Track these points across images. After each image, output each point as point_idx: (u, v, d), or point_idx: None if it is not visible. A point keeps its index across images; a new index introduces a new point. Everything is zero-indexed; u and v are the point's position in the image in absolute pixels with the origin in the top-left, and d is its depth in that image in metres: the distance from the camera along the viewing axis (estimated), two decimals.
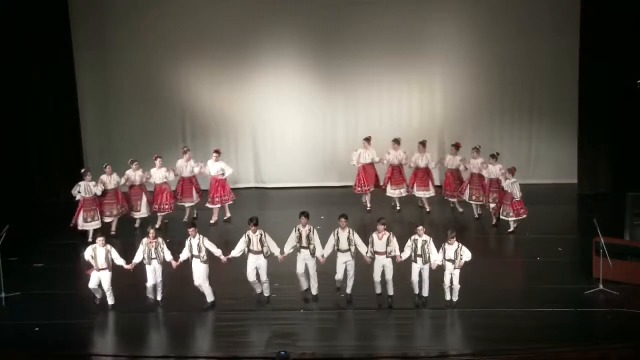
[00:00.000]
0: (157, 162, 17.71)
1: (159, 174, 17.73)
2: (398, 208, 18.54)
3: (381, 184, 18.62)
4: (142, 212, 17.77)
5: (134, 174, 17.65)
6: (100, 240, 14.03)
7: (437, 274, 13.90)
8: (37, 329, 13.47)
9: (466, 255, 13.73)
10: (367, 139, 18.52)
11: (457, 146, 18.16)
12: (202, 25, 19.85)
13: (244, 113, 20.42)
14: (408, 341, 13.09)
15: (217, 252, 14.12)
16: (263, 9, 19.80)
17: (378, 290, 14.01)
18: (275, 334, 13.24)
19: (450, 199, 18.39)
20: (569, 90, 19.42)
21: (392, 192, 18.52)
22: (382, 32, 19.65)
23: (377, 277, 13.92)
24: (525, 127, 20.16)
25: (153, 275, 14.10)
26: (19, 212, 17.75)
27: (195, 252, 13.98)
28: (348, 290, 14.11)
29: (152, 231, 14.15)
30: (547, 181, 20.01)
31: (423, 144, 18.29)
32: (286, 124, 20.41)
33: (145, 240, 14.13)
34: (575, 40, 18.98)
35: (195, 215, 18.23)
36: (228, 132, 20.48)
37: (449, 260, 13.72)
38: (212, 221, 18.00)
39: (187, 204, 18.19)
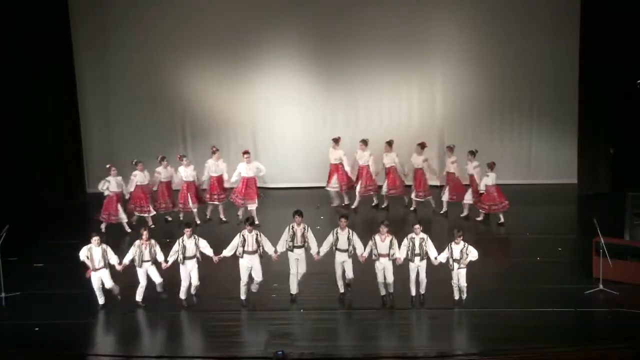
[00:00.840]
0: (184, 161, 17.82)
1: (186, 172, 17.78)
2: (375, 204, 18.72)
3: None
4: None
5: (165, 171, 17.72)
6: (95, 239, 13.96)
7: (437, 273, 13.91)
8: (37, 329, 13.48)
9: (472, 254, 13.73)
10: (335, 140, 18.58)
11: (422, 146, 18.27)
12: (203, 25, 19.86)
13: (244, 113, 20.42)
14: (407, 341, 13.11)
15: (210, 251, 14.11)
16: (263, 9, 19.80)
17: (382, 292, 14.00)
18: (274, 333, 13.23)
19: (415, 199, 18.36)
20: (569, 90, 19.42)
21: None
22: (382, 32, 19.65)
23: (380, 279, 13.91)
24: (525, 127, 20.15)
25: (145, 277, 14.04)
26: (19, 212, 17.74)
27: (191, 253, 13.95)
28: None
29: (145, 232, 14.08)
30: (547, 181, 20.01)
31: (390, 143, 18.38)
32: (286, 124, 20.40)
33: (137, 242, 14.03)
34: (575, 40, 18.98)
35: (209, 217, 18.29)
36: (228, 132, 20.49)
37: (455, 260, 13.70)
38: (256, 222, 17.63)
39: (218, 203, 18.16)
